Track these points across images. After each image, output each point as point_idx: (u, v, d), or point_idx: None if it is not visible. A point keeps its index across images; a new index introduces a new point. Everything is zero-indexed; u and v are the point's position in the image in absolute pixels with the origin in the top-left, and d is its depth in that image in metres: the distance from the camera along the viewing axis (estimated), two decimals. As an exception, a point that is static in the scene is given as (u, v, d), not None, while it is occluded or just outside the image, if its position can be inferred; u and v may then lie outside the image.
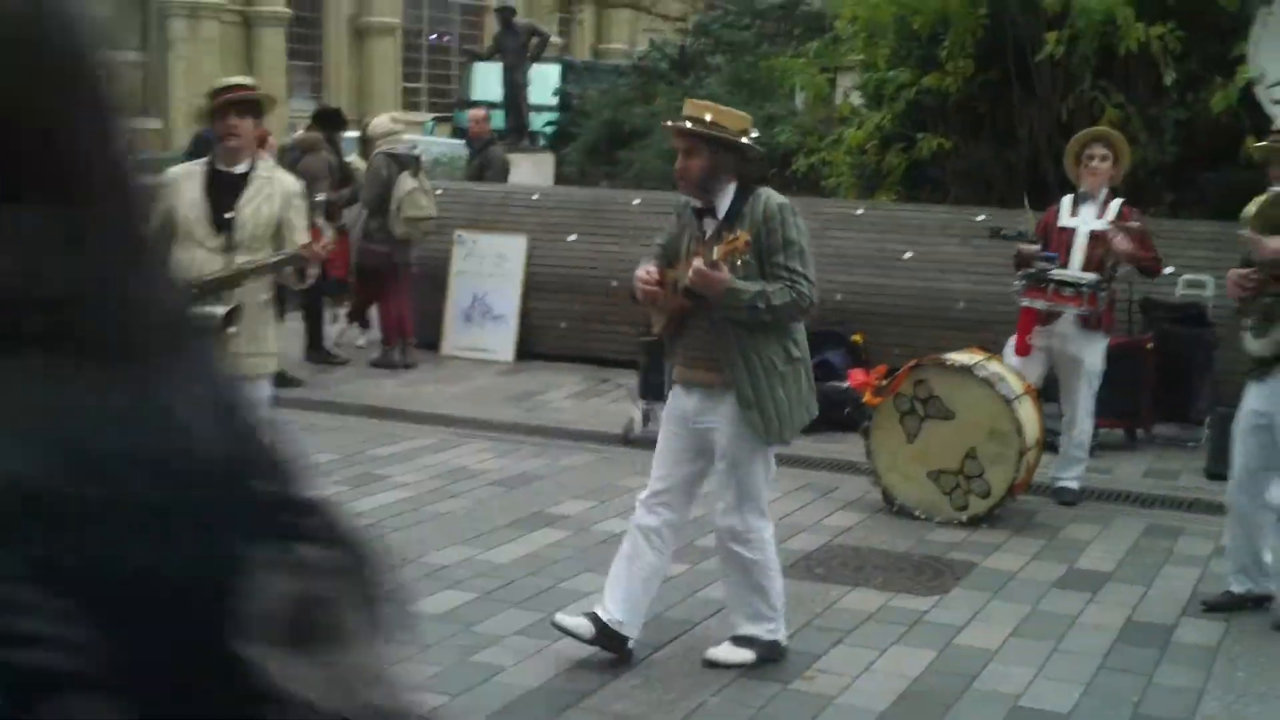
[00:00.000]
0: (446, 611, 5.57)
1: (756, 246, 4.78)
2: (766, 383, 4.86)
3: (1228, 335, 8.85)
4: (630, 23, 41.90)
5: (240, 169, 5.62)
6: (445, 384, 10.29)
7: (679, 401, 5.08)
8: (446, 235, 11.41)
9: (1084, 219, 7.46)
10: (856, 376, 8.96)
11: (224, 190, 5.55)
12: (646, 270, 4.95)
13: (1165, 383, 8.63)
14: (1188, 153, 10.51)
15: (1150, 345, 8.60)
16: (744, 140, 4.94)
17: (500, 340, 11.15)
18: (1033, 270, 7.23)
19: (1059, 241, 7.46)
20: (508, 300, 11.20)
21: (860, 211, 10.76)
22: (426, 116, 33.66)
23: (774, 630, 5.10)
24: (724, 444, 4.93)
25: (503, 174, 14.01)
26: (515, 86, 19.23)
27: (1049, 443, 7.50)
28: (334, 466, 7.91)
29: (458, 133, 23.25)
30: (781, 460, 8.18)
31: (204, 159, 5.76)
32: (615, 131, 19.02)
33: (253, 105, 5.69)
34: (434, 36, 40.82)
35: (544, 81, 22.34)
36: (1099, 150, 7.50)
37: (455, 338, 11.27)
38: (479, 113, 14.60)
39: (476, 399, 9.80)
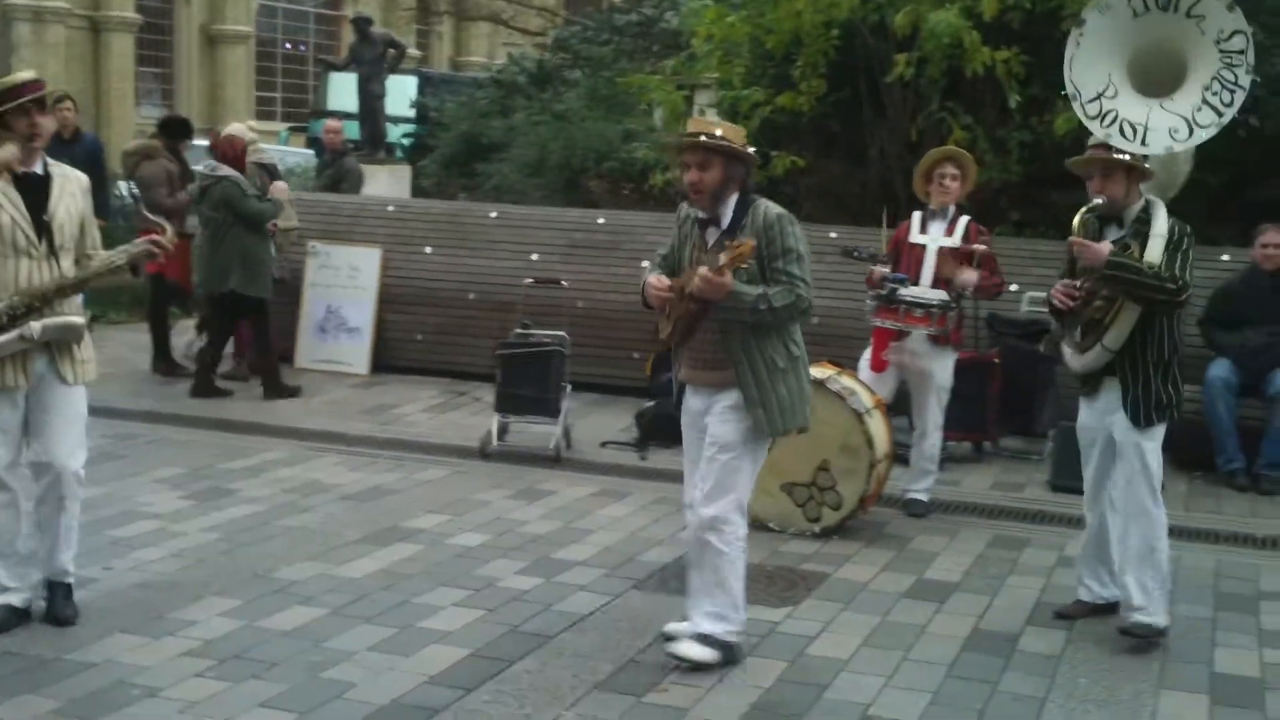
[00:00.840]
0: (296, 628, 5.48)
1: (758, 252, 5.00)
2: (769, 379, 5.11)
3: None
4: (489, 36, 41.87)
5: (40, 170, 5.36)
6: (299, 398, 10.12)
7: (689, 403, 5.32)
8: (300, 247, 11.26)
9: (933, 236, 7.61)
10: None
11: (33, 193, 5.29)
12: (657, 278, 5.16)
13: (1011, 397, 8.84)
14: (1032, 173, 10.80)
15: (996, 361, 8.81)
16: (750, 152, 5.16)
17: (355, 353, 11.03)
18: (884, 291, 7.36)
19: (909, 258, 7.60)
20: (362, 312, 11.08)
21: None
22: (281, 126, 33.16)
23: (733, 632, 5.23)
24: (718, 434, 5.13)
25: (357, 185, 13.87)
26: (371, 97, 19.04)
27: (899, 455, 7.63)
28: (182, 481, 7.74)
29: (312, 143, 22.95)
30: (638, 473, 8.29)
31: None
32: (473, 144, 18.91)
33: (45, 101, 5.42)
34: (289, 45, 40.24)
35: (401, 93, 22.17)
36: (949, 170, 7.65)
37: (309, 350, 11.11)
38: (334, 123, 14.44)
39: (330, 412, 9.67)
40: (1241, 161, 10.34)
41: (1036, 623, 5.91)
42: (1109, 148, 5.87)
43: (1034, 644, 5.63)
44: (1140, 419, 5.56)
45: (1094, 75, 5.64)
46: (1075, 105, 5.65)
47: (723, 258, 4.89)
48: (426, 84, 25.76)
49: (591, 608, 5.87)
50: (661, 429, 8.85)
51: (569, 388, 8.74)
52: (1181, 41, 5.49)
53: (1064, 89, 9.94)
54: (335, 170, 14.04)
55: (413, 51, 32.84)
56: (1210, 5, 5.38)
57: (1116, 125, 5.71)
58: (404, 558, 6.48)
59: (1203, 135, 5.63)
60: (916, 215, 7.76)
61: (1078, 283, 5.64)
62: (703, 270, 4.92)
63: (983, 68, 10.30)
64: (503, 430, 8.73)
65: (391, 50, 19.70)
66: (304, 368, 10.99)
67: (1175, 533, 7.27)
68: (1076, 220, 5.71)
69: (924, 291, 7.41)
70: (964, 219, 7.65)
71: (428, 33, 43.98)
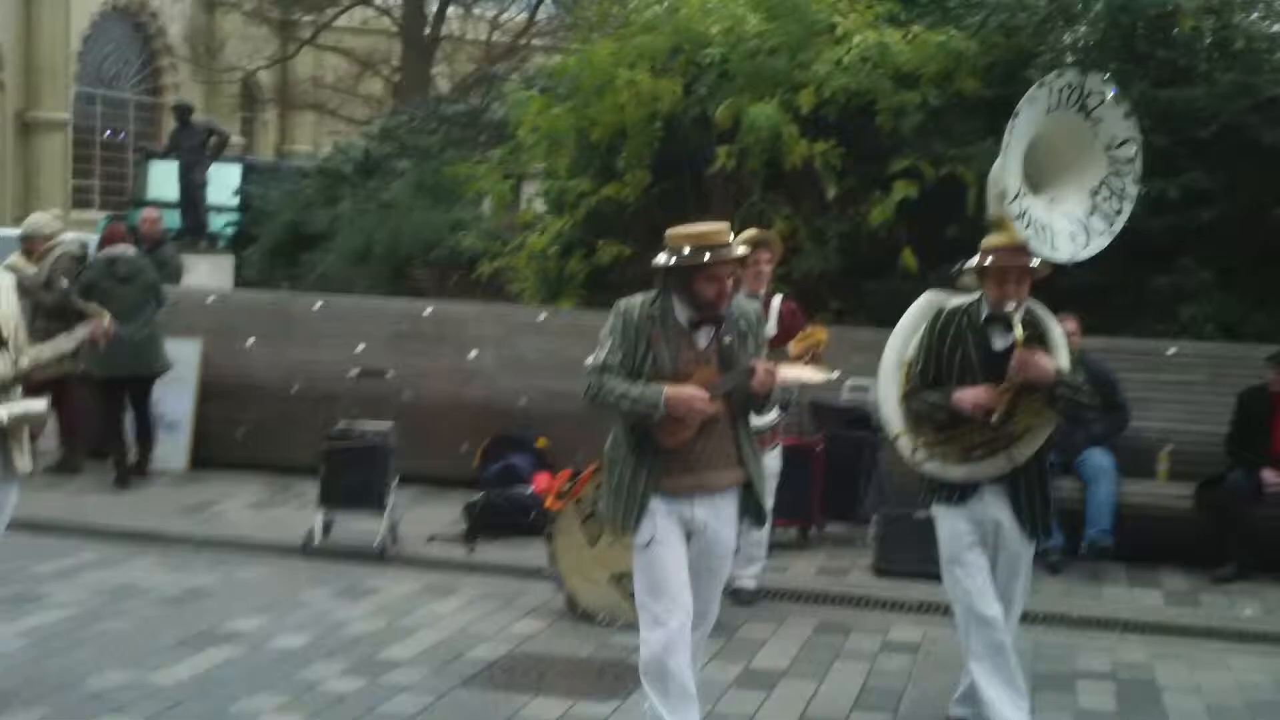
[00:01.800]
0: (107, 740, 5.27)
1: (753, 340, 5.02)
2: (759, 469, 5.13)
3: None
4: (314, 124, 41.59)
5: None
6: (113, 495, 9.81)
7: (692, 514, 4.94)
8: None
9: None
10: (541, 481, 9.04)
11: None
12: (692, 389, 4.80)
13: (835, 483, 8.97)
14: (850, 263, 11.07)
15: (820, 448, 8.95)
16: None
17: (172, 448, 10.73)
18: None
19: None
20: (181, 406, 10.81)
21: (543, 317, 10.87)
22: (99, 215, 32.39)
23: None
24: (729, 540, 5.07)
25: (176, 275, 13.58)
26: (193, 186, 18.75)
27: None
28: (-13, 587, 7.42)
29: (131, 232, 22.43)
30: (465, 568, 8.18)
31: None
32: (298, 233, 18.75)
33: None
34: (108, 133, 39.43)
35: (224, 181, 21.86)
36: (763, 255, 7.69)
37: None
38: (151, 212, 14.15)
39: (146, 510, 9.38)
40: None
41: (862, 707, 5.96)
42: (1024, 250, 5.48)
43: (860, 730, 5.68)
44: (1038, 529, 5.46)
45: (1019, 171, 5.56)
46: (1004, 205, 5.49)
47: (793, 346, 5.16)
48: (250, 172, 25.44)
49: (416, 709, 5.75)
50: (489, 521, 8.79)
51: (396, 481, 8.62)
52: (1071, 140, 5.48)
53: (886, 180, 10.41)
54: (153, 260, 13.71)
55: (236, 139, 32.48)
56: (1109, 110, 5.42)
57: (1033, 227, 5.55)
58: (222, 662, 6.29)
59: (1098, 244, 5.58)
60: None
61: (1003, 390, 5.35)
62: (764, 365, 4.88)
63: (801, 160, 10.58)
64: (327, 526, 8.54)
65: (214, 138, 19.46)
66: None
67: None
68: (1019, 331, 5.36)
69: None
70: (776, 299, 7.72)
71: (252, 120, 43.53)
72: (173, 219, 17.47)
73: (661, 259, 4.89)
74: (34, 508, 9.15)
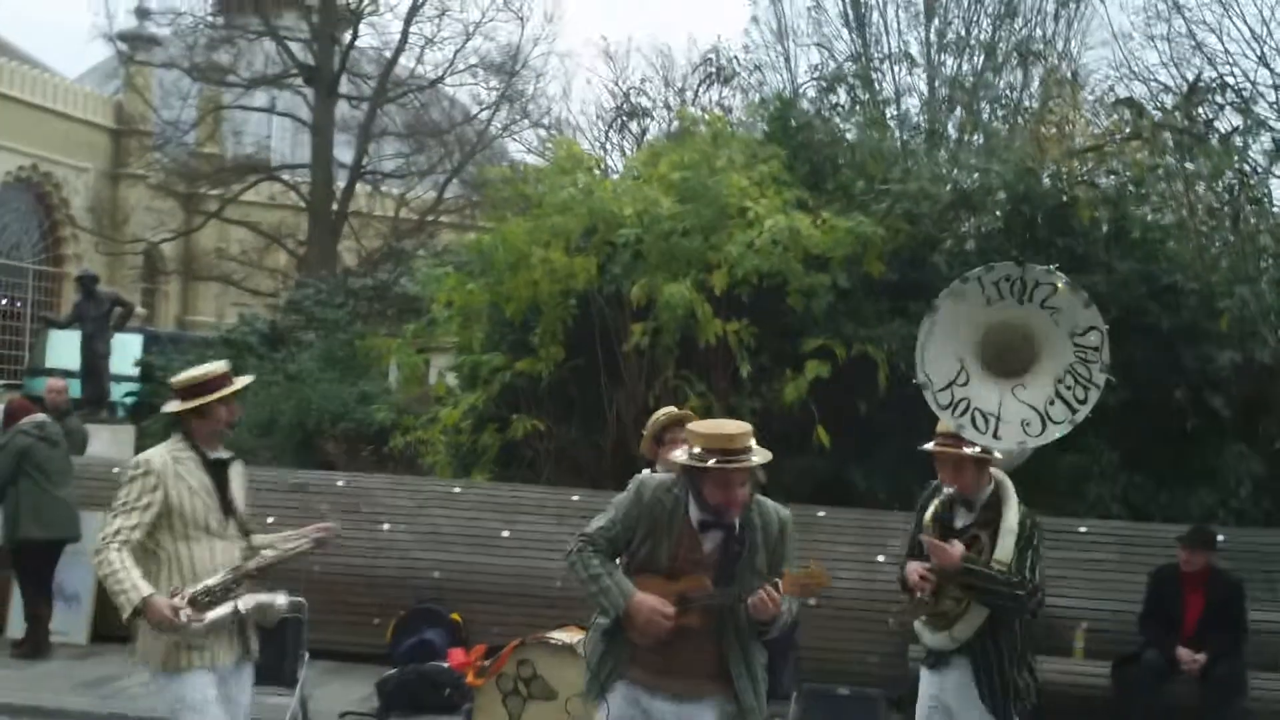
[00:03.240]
0: None
1: (766, 554, 4.73)
2: (758, 690, 4.78)
3: (808, 613, 9.33)
4: (218, 296, 41.49)
5: (220, 454, 5.50)
6: (10, 669, 9.47)
7: (640, 702, 4.74)
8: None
9: None
10: (456, 656, 8.90)
11: (219, 476, 5.44)
12: (664, 611, 4.62)
13: (753, 659, 8.91)
14: (764, 439, 11.12)
15: (738, 623, 8.90)
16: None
17: (72, 621, 10.39)
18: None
19: None
20: (82, 579, 10.49)
21: (458, 490, 10.81)
22: (-7, 383, 31.82)
23: None
24: None
25: (81, 446, 13.33)
26: (96, 355, 18.52)
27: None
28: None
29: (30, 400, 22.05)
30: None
31: (183, 442, 5.43)
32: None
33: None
34: (4, 301, 38.94)
35: (125, 351, 21.65)
36: (680, 434, 7.76)
37: (20, 619, 10.43)
38: (58, 383, 13.92)
39: (45, 685, 9.05)
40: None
41: None
42: (958, 438, 5.68)
43: None
44: (999, 710, 5.46)
45: (946, 362, 5.60)
46: (927, 394, 5.56)
47: (785, 584, 4.63)
48: (152, 342, 25.27)
49: None
50: (403, 698, 8.60)
51: (306, 655, 8.41)
52: (1034, 327, 5.58)
53: (798, 359, 10.59)
54: (57, 430, 13.48)
55: (139, 310, 32.24)
56: (1065, 299, 5.51)
57: (969, 415, 5.51)
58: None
59: (1055, 432, 5.64)
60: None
61: (928, 569, 5.49)
62: (771, 593, 4.58)
63: (714, 338, 10.74)
64: (234, 703, 8.30)
65: (119, 308, 19.29)
66: (16, 637, 10.29)
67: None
68: (929, 514, 5.58)
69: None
70: None
71: (154, 291, 43.29)
72: (74, 388, 17.19)
73: (679, 454, 4.74)
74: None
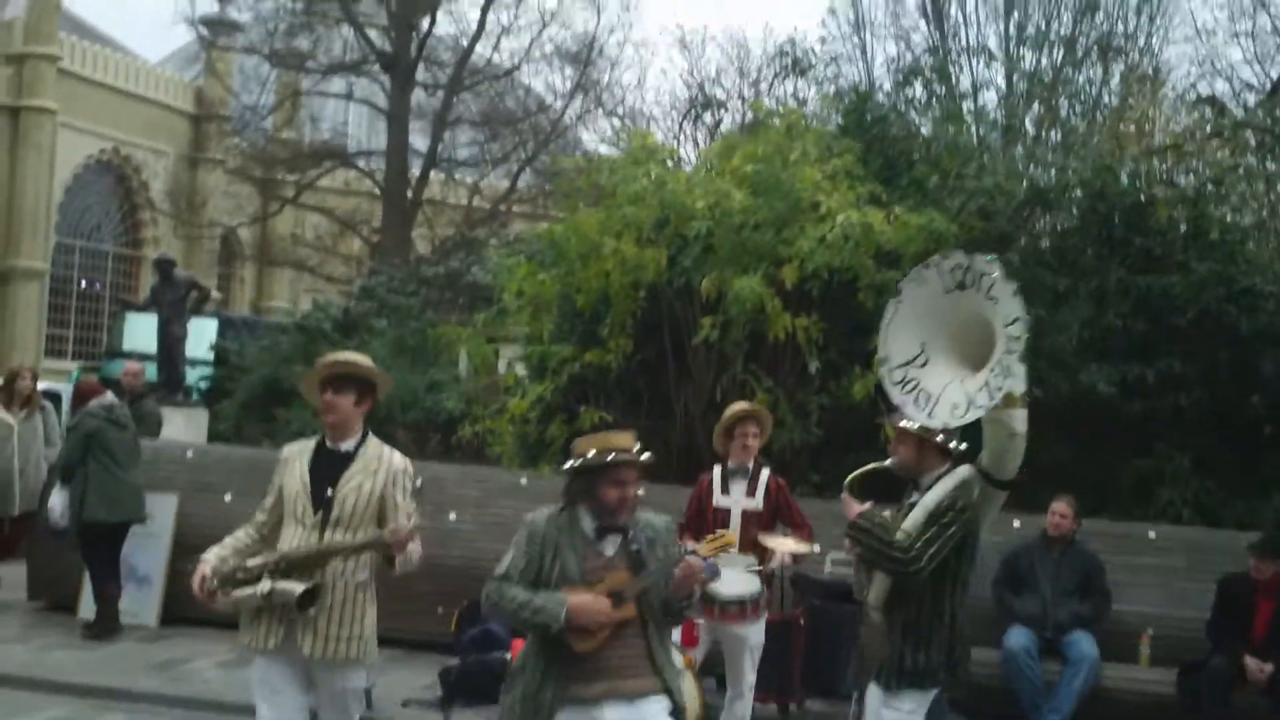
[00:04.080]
0: None
1: (661, 550, 4.97)
2: (679, 682, 4.99)
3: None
4: (292, 281, 41.93)
5: (347, 446, 5.57)
6: (80, 650, 9.62)
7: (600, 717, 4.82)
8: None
9: (736, 499, 7.64)
10: (519, 647, 8.91)
11: (329, 467, 5.52)
12: (594, 598, 4.78)
13: (815, 658, 8.88)
14: (831, 436, 11.12)
15: (801, 621, 8.89)
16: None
17: (144, 603, 10.55)
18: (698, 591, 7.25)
19: (714, 522, 7.59)
20: (154, 561, 10.66)
21: (524, 481, 10.86)
22: (72, 364, 32.37)
23: None
24: None
25: (155, 429, 13.53)
26: (172, 339, 18.75)
27: (709, 717, 7.57)
28: (-50, 742, 7.24)
29: (105, 383, 22.40)
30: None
31: (315, 439, 5.67)
32: (275, 389, 18.74)
33: (355, 381, 5.62)
34: (85, 284, 39.60)
35: (200, 335, 21.93)
36: (751, 428, 7.77)
37: (93, 600, 10.60)
38: (134, 366, 14.14)
39: (115, 666, 9.19)
40: (1027, 430, 10.83)
41: None
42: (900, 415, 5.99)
43: None
44: (887, 684, 5.60)
45: (907, 343, 5.82)
46: (883, 369, 5.83)
47: (704, 547, 5.03)
48: (227, 327, 25.58)
49: None
50: (465, 688, 8.66)
51: (370, 644, 8.49)
52: (988, 321, 5.74)
53: (867, 356, 10.53)
54: (134, 414, 13.67)
55: (215, 294, 32.66)
56: (1001, 289, 5.64)
57: (914, 394, 5.83)
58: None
59: (974, 414, 5.84)
60: (716, 470, 7.83)
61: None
62: (692, 559, 4.90)
63: (784, 333, 10.70)
64: (300, 688, 8.40)
65: (195, 292, 19.54)
66: (88, 618, 10.47)
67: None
68: (860, 472, 5.89)
69: (740, 584, 7.33)
70: (764, 473, 7.74)
71: (229, 276, 43.84)
72: (150, 371, 17.45)
73: (567, 464, 5.00)
74: None
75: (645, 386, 11.68)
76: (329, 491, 5.45)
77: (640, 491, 5.01)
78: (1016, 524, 9.64)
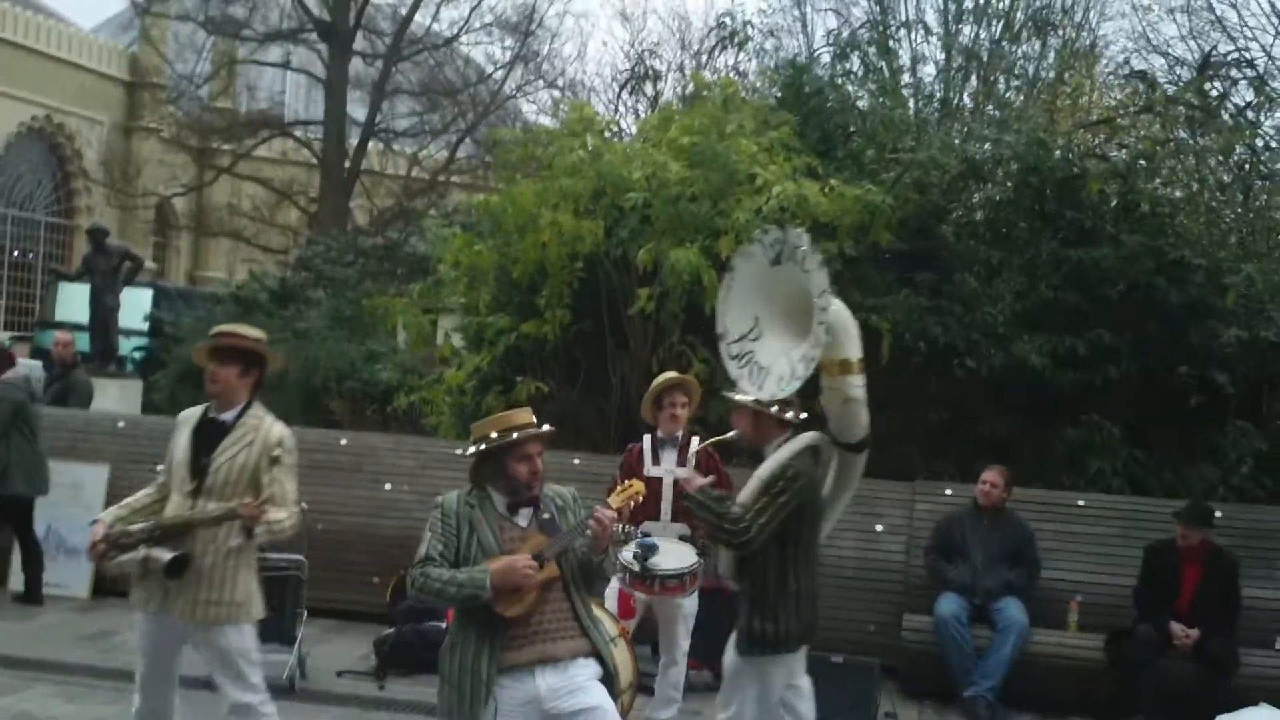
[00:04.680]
0: None
1: (572, 517, 5.07)
2: (606, 640, 5.06)
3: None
4: (229, 252, 41.52)
5: (227, 416, 5.69)
6: (9, 622, 9.54)
7: (532, 688, 4.83)
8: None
9: (667, 467, 7.68)
10: (453, 617, 8.92)
11: (209, 437, 5.68)
12: (520, 559, 4.82)
13: (748, 626, 8.94)
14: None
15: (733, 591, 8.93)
16: None
17: (74, 575, 10.45)
18: (635, 567, 7.24)
19: (646, 492, 7.60)
20: (84, 532, 10.52)
21: (460, 451, 10.79)
22: (4, 335, 31.93)
23: None
24: (602, 702, 4.86)
25: (87, 400, 13.40)
26: (105, 309, 18.54)
27: (643, 684, 7.61)
28: (-126, 715, 7.15)
29: (37, 353, 22.16)
30: (376, 704, 8.04)
31: (201, 407, 5.81)
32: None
33: (240, 354, 5.72)
34: (16, 253, 39.01)
35: (135, 306, 21.71)
36: (679, 398, 7.79)
37: (23, 570, 10.50)
38: (65, 336, 13.98)
39: (45, 638, 9.12)
40: (959, 400, 10.97)
41: None
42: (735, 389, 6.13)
43: None
44: (739, 648, 5.75)
45: (743, 318, 5.97)
46: (721, 344, 5.95)
47: (615, 498, 5.10)
48: (162, 297, 25.32)
49: None
50: (401, 657, 8.66)
51: (305, 614, 8.48)
52: (803, 292, 5.90)
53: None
54: (63, 384, 13.54)
55: (148, 264, 32.28)
56: (812, 261, 5.79)
57: (749, 368, 5.97)
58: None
59: (794, 385, 5.97)
60: (647, 440, 7.86)
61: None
62: (607, 512, 4.97)
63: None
64: (234, 659, 8.37)
65: (128, 262, 19.31)
66: (18, 589, 10.36)
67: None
68: (702, 444, 6.34)
69: (678, 557, 7.35)
70: (694, 442, 7.75)
71: (165, 245, 43.35)
72: (82, 342, 17.25)
73: (472, 448, 5.06)
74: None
75: (583, 357, 11.67)
76: (204, 460, 5.63)
77: (542, 460, 5.08)
78: (949, 492, 9.77)
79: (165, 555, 5.48)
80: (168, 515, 5.63)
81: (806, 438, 5.90)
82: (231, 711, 5.74)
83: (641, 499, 5.14)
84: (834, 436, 5.94)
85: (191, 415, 5.81)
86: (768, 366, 5.81)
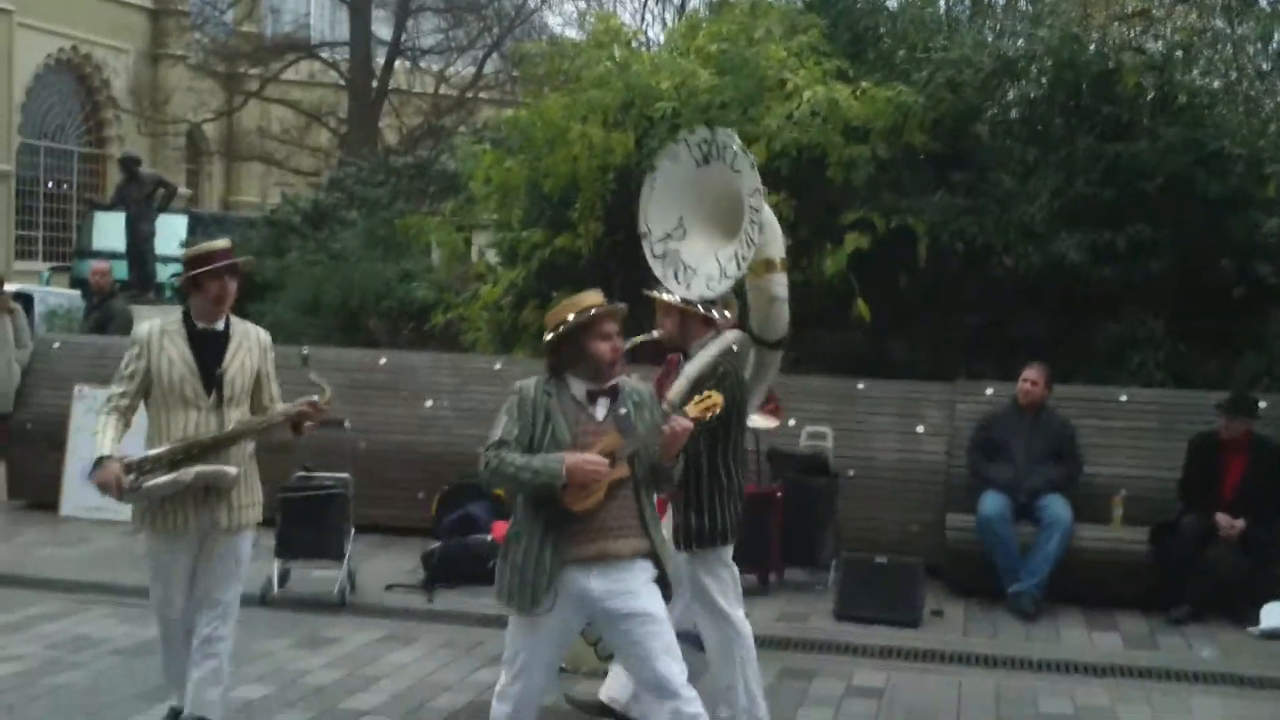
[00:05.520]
0: (68, 793, 5.19)
1: (649, 415, 4.97)
2: (666, 544, 5.07)
3: (848, 484, 9.40)
4: (261, 176, 41.52)
5: (219, 327, 5.66)
6: (63, 547, 9.70)
7: (586, 587, 4.84)
8: (65, 391, 10.88)
9: None
10: (499, 529, 9.01)
11: (210, 348, 5.58)
12: (585, 456, 4.77)
13: (793, 530, 9.01)
14: (804, 313, 11.11)
15: (778, 494, 8.98)
16: None
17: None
18: None
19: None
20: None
21: (499, 366, 10.88)
22: (43, 266, 32.14)
23: None
24: (653, 609, 4.88)
25: (126, 327, 13.47)
26: (140, 237, 18.61)
27: (687, 591, 7.66)
28: (-63, 640, 7.30)
29: (76, 283, 22.30)
30: (425, 616, 8.14)
31: (179, 315, 5.71)
32: (246, 284, 18.61)
33: (234, 268, 5.74)
34: (51, 184, 39.16)
35: (170, 232, 21.73)
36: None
37: (75, 498, 10.63)
38: (102, 265, 14.07)
39: (99, 562, 9.26)
40: (998, 300, 10.91)
41: (827, 753, 5.97)
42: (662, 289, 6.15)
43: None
44: (681, 545, 5.77)
45: (666, 217, 5.95)
46: (644, 243, 5.93)
47: (692, 408, 4.96)
48: (197, 223, 25.35)
49: (382, 758, 5.71)
50: (448, 570, 8.76)
51: (352, 530, 8.58)
52: (733, 191, 5.87)
53: (838, 232, 10.54)
54: (102, 312, 13.65)
55: (182, 191, 32.32)
56: (742, 160, 5.74)
57: (674, 268, 5.97)
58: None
59: (725, 284, 5.96)
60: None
61: None
62: (682, 420, 4.87)
63: (754, 211, 10.65)
64: (284, 576, 8.50)
65: (161, 189, 19.35)
66: (71, 516, 10.53)
67: (955, 658, 7.53)
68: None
69: None
70: None
71: (197, 172, 43.40)
72: (120, 270, 17.34)
73: (549, 335, 4.99)
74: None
75: (617, 269, 11.63)
76: (217, 371, 5.58)
77: (622, 340, 4.99)
78: (989, 391, 9.74)
79: (229, 469, 5.50)
80: (198, 432, 5.51)
81: (730, 336, 5.92)
82: (222, 612, 5.74)
83: (720, 410, 5.07)
84: (755, 334, 6.02)
85: (164, 329, 5.64)
86: (694, 266, 5.83)
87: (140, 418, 5.64)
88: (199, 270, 5.59)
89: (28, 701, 6.34)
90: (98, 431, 5.48)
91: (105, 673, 6.85)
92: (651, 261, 5.91)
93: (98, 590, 8.56)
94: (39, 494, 10.84)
